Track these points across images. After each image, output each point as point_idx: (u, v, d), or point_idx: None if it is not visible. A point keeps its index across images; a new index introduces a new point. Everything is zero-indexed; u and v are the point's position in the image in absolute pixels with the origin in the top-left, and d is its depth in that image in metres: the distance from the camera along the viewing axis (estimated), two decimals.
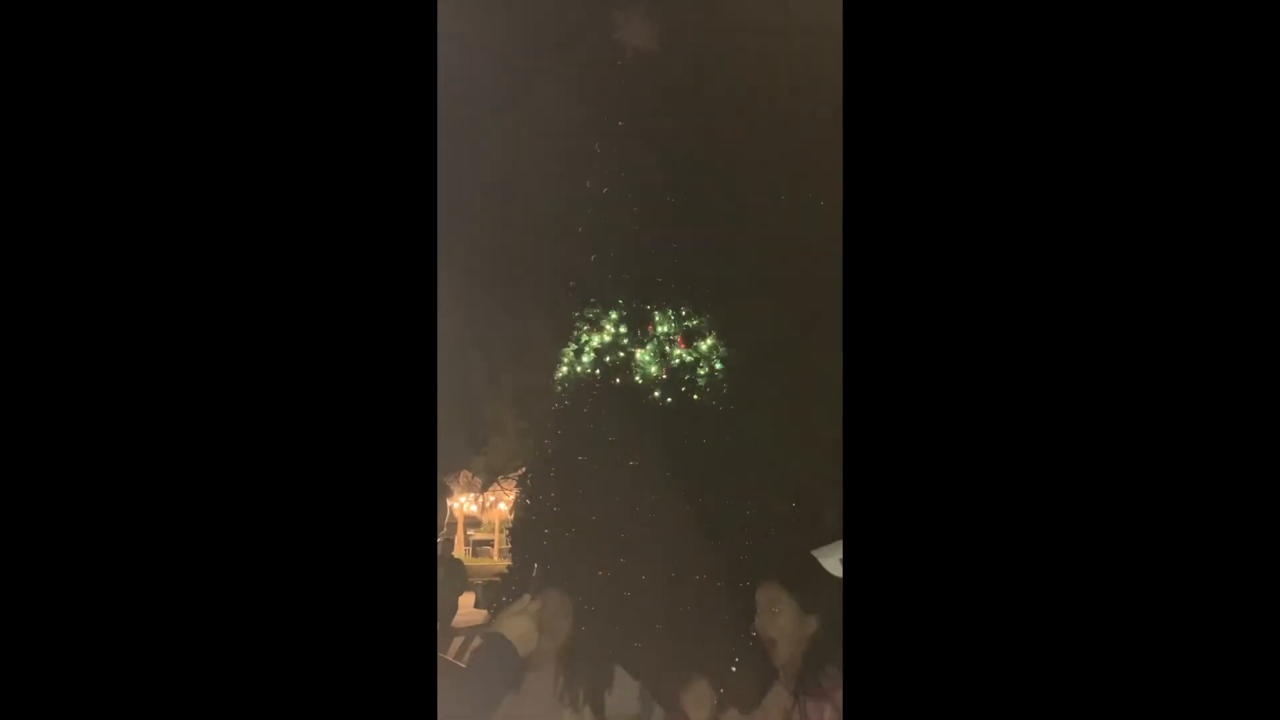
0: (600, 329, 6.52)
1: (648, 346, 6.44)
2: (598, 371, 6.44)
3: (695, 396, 6.37)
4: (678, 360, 6.46)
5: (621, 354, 6.41)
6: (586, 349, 6.55)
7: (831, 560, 2.26)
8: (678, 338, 6.51)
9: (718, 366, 6.58)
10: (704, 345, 6.57)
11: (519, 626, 2.01)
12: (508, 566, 6.81)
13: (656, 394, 6.32)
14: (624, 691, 2.57)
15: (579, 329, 6.67)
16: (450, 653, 3.06)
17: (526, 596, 2.15)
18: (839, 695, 2.12)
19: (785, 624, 2.36)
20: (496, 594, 6.97)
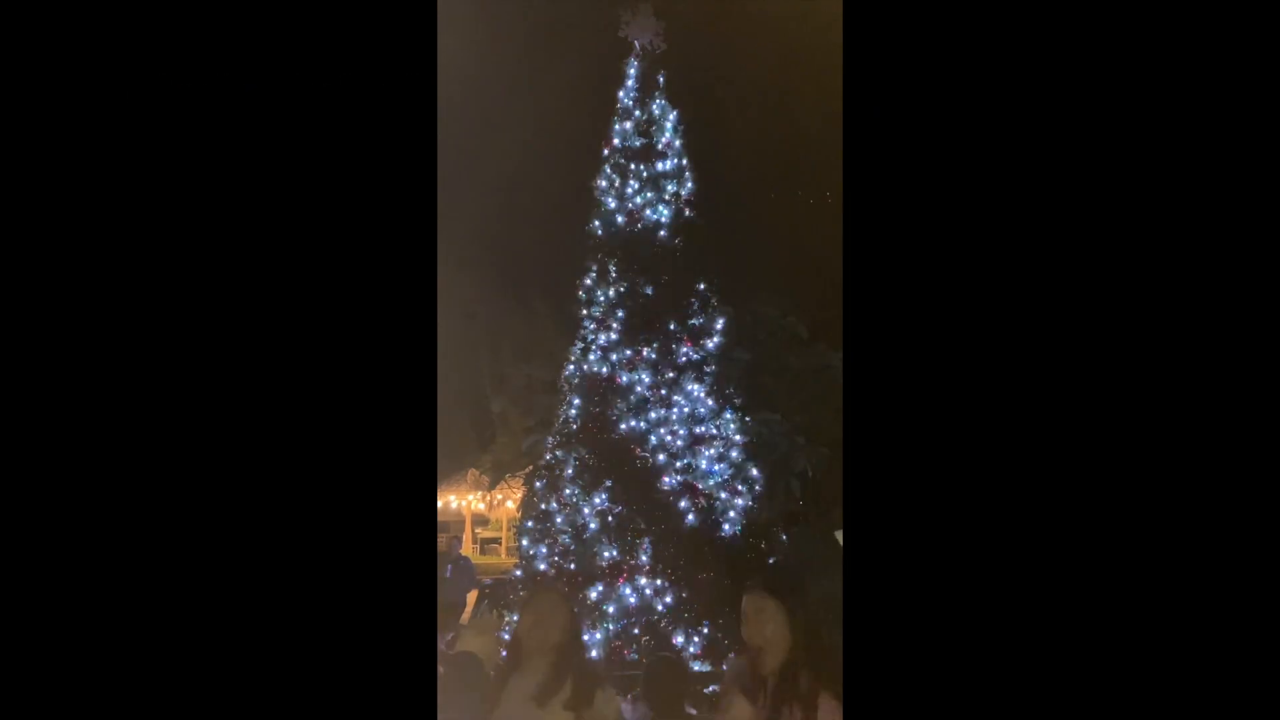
0: (608, 327, 6.53)
1: (654, 345, 6.44)
2: (604, 370, 6.45)
3: (703, 394, 6.38)
4: (684, 359, 6.47)
5: (629, 351, 6.42)
6: (594, 347, 6.56)
7: None
8: (684, 336, 6.51)
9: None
10: (711, 344, 6.59)
11: (485, 645, 2.18)
12: (515, 564, 6.83)
13: (664, 392, 6.33)
14: (608, 695, 2.56)
15: (586, 328, 6.68)
16: (458, 649, 3.08)
17: (483, 614, 2.32)
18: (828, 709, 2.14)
19: (772, 633, 2.37)
20: (504, 592, 6.99)
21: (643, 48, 7.03)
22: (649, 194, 6.79)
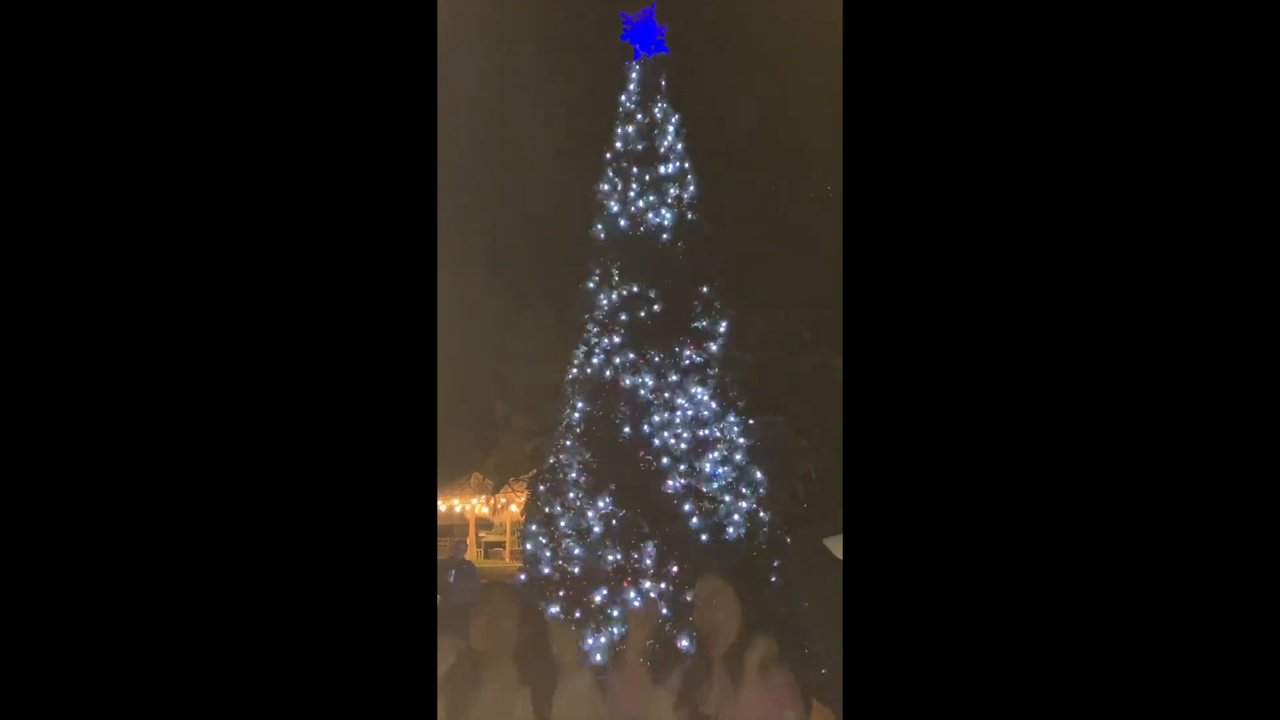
0: (610, 330, 6.54)
1: (657, 347, 6.44)
2: (607, 373, 6.45)
3: (706, 397, 6.38)
4: (688, 361, 6.47)
5: (632, 355, 6.41)
6: (597, 350, 6.56)
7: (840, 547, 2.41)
8: (687, 339, 6.51)
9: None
10: (714, 347, 6.59)
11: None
12: (519, 568, 6.82)
13: (668, 395, 6.32)
14: (575, 694, 2.48)
15: (589, 331, 6.69)
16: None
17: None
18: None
19: (723, 618, 2.44)
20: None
21: (644, 53, 7.05)
22: (651, 197, 6.80)
